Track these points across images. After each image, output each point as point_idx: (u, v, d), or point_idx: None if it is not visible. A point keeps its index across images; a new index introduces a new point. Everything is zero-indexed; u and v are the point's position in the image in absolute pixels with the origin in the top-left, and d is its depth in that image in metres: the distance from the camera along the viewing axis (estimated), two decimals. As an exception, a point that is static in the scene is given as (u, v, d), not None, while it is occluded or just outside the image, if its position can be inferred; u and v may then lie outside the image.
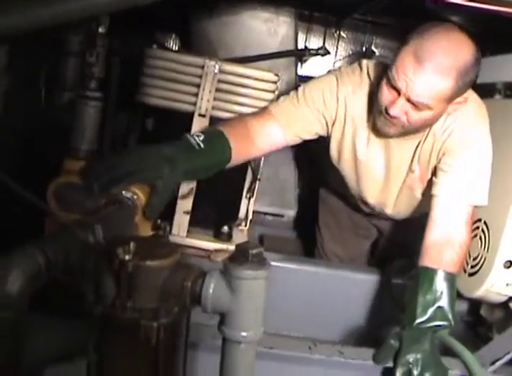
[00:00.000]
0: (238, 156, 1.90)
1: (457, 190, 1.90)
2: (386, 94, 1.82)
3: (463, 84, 1.77)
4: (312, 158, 2.78)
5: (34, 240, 1.07)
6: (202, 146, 1.69)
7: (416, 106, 1.77)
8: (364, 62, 2.06)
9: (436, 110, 1.81)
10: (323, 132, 2.09)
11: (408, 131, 1.91)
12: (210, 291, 1.08)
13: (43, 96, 2.05)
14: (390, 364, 1.70)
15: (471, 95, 1.96)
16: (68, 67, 1.90)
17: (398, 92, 1.78)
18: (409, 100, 1.77)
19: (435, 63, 1.70)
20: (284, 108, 2.02)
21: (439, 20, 1.81)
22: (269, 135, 2.01)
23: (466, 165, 1.92)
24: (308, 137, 2.08)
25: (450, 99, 1.80)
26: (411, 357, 1.65)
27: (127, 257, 1.01)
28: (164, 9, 2.61)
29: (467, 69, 1.74)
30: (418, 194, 2.16)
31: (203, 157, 1.71)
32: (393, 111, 1.80)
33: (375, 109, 1.91)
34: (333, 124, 2.06)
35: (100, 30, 1.58)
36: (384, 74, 1.86)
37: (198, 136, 1.72)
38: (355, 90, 2.02)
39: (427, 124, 1.90)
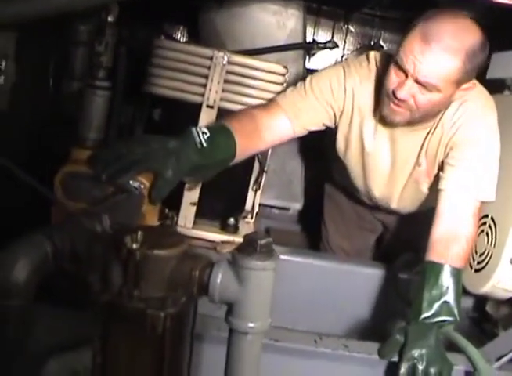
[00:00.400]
0: (244, 152, 1.88)
1: (464, 185, 1.89)
2: (393, 77, 1.82)
3: (470, 67, 1.77)
4: (320, 151, 2.77)
5: (41, 229, 1.07)
6: (205, 145, 1.65)
7: (424, 87, 1.77)
8: (371, 53, 2.06)
9: (444, 93, 1.81)
10: (330, 124, 2.09)
11: (414, 119, 1.90)
12: (218, 280, 1.08)
13: (51, 86, 2.05)
14: (395, 359, 1.69)
15: (480, 89, 1.97)
16: (76, 57, 1.89)
17: (406, 75, 1.78)
18: (417, 81, 1.77)
19: (443, 44, 1.71)
20: (292, 99, 2.01)
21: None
22: (278, 128, 2.00)
23: (473, 160, 1.91)
24: (315, 128, 2.08)
25: (458, 82, 1.80)
26: (416, 352, 1.64)
27: (134, 246, 1.01)
28: (173, 0, 2.61)
29: (475, 52, 1.75)
30: (424, 188, 2.15)
31: (207, 156, 1.67)
32: (400, 93, 1.79)
33: (382, 96, 1.90)
34: (341, 115, 2.05)
35: (109, 19, 1.57)
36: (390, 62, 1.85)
37: (204, 133, 1.68)
38: (362, 81, 2.01)
39: (435, 110, 1.89)
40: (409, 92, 1.79)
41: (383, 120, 1.99)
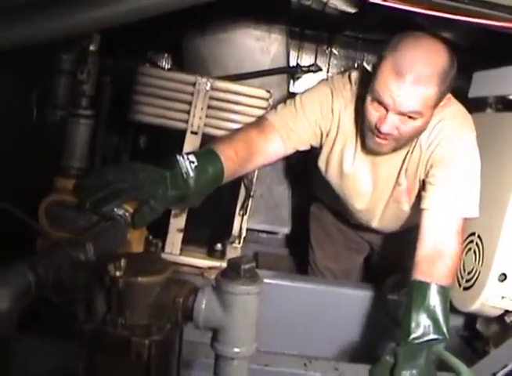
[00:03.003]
0: (231, 176, 1.88)
1: (446, 203, 1.89)
2: (373, 112, 1.83)
3: (445, 87, 1.80)
4: (305, 172, 2.78)
5: (24, 258, 1.07)
6: (192, 174, 1.64)
7: (408, 116, 1.79)
8: (353, 75, 2.07)
9: (425, 117, 1.83)
10: (316, 144, 2.10)
11: (400, 146, 1.92)
12: (203, 306, 1.07)
13: (35, 115, 2.05)
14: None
15: (457, 107, 1.99)
16: (59, 86, 1.89)
17: (386, 108, 1.79)
18: (399, 113, 1.78)
19: (417, 74, 1.72)
20: (284, 118, 2.01)
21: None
22: (272, 151, 2.00)
23: (453, 177, 1.92)
24: (303, 148, 2.08)
25: (436, 104, 1.83)
26: (407, 373, 1.64)
27: (118, 273, 1.00)
28: (156, 28, 2.63)
29: (446, 72, 1.78)
30: (405, 208, 2.16)
31: (194, 185, 1.65)
32: (384, 128, 1.80)
33: (365, 128, 1.92)
34: (327, 135, 2.07)
35: (91, 48, 1.58)
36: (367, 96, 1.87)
37: (191, 163, 1.66)
38: (346, 105, 2.03)
39: (418, 133, 1.90)
40: (392, 125, 1.81)
41: (364, 146, 2.01)
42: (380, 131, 1.83)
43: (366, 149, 2.02)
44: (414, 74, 1.72)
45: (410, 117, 1.79)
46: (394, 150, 1.93)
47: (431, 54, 1.77)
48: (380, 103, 1.79)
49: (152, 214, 1.50)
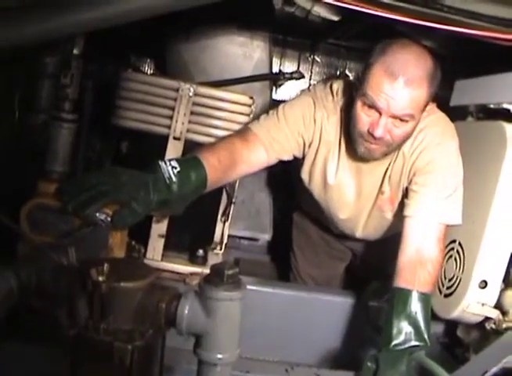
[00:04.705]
0: (215, 184, 1.87)
1: (428, 210, 1.90)
2: (365, 118, 1.84)
3: (433, 89, 1.83)
4: (287, 181, 2.78)
5: (6, 263, 1.06)
6: (175, 180, 1.63)
7: (400, 119, 1.80)
8: (334, 85, 2.07)
9: (415, 120, 1.85)
10: (299, 154, 2.10)
11: (391, 151, 1.93)
12: (186, 312, 1.07)
13: (17, 118, 2.04)
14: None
15: (439, 115, 2.02)
16: (43, 89, 1.89)
17: (379, 112, 1.80)
18: (392, 116, 1.79)
19: (409, 76, 1.74)
20: (267, 128, 2.01)
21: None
22: (255, 160, 2.00)
23: (436, 185, 1.93)
24: (286, 158, 2.08)
25: (425, 106, 1.85)
26: None
27: (100, 278, 1.00)
28: (140, 33, 2.62)
29: (434, 75, 1.81)
30: (388, 216, 2.17)
31: (176, 191, 1.63)
32: (378, 132, 1.81)
33: (355, 135, 1.91)
34: (309, 146, 2.07)
35: (75, 51, 1.58)
36: (352, 99, 1.88)
37: (174, 168, 1.65)
38: (329, 116, 2.03)
39: (407, 138, 1.91)
40: (385, 129, 1.81)
41: (348, 155, 2.03)
42: (373, 136, 1.83)
43: (351, 158, 2.04)
44: (407, 75, 1.74)
45: (402, 121, 1.81)
46: (384, 155, 1.94)
47: (420, 56, 1.79)
48: (373, 107, 1.80)
49: (132, 216, 1.49)
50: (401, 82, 1.74)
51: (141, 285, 1.06)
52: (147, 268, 1.16)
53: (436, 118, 2.00)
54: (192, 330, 1.09)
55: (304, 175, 2.17)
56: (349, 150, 2.03)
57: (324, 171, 2.10)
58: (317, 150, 2.07)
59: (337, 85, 2.07)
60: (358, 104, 1.84)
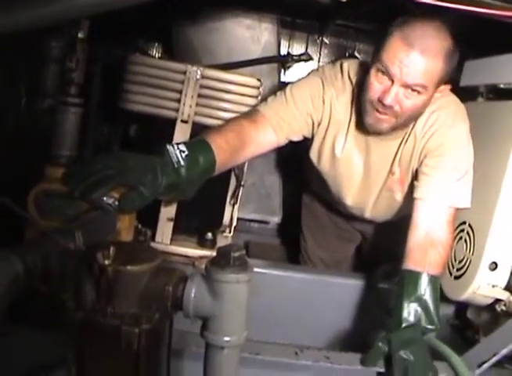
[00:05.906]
0: (223, 167, 1.85)
1: (439, 192, 1.90)
2: (376, 85, 1.83)
3: (449, 67, 1.81)
4: (297, 163, 2.78)
5: (12, 247, 1.06)
6: (183, 163, 1.61)
7: (411, 90, 1.79)
8: (345, 65, 2.07)
9: (427, 94, 1.83)
10: (308, 134, 2.09)
11: (398, 125, 1.91)
12: (192, 295, 1.07)
13: (23, 103, 2.03)
14: (377, 368, 1.69)
15: (451, 98, 2.01)
16: (48, 74, 1.88)
17: (391, 80, 1.79)
18: (404, 85, 1.78)
19: (426, 45, 1.74)
20: (275, 108, 2.01)
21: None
22: (264, 141, 1.99)
23: (447, 167, 1.93)
24: (296, 138, 2.07)
25: (439, 82, 1.84)
26: (404, 356, 1.63)
27: (106, 262, 1.00)
28: (147, 16, 2.62)
29: (452, 52, 1.79)
30: (398, 197, 2.16)
31: (184, 175, 1.62)
32: (387, 100, 1.80)
33: (363, 106, 1.90)
34: (318, 125, 2.06)
35: (80, 35, 1.57)
36: (365, 73, 1.87)
37: (182, 152, 1.64)
38: (338, 95, 2.02)
39: (416, 114, 1.91)
40: (395, 98, 1.80)
41: (357, 131, 2.03)
42: (383, 104, 1.82)
43: (360, 134, 2.03)
44: (423, 44, 1.73)
45: (413, 91, 1.80)
46: (392, 130, 1.92)
47: (440, 31, 1.78)
48: (386, 74, 1.79)
49: (140, 200, 1.47)
50: (416, 51, 1.73)
51: (147, 268, 1.05)
52: (153, 251, 1.15)
53: (449, 101, 1.99)
54: (198, 313, 1.08)
55: (313, 154, 2.17)
56: (358, 127, 2.02)
57: (333, 148, 2.10)
58: (326, 130, 2.07)
59: (348, 64, 2.07)
60: (372, 71, 1.84)
